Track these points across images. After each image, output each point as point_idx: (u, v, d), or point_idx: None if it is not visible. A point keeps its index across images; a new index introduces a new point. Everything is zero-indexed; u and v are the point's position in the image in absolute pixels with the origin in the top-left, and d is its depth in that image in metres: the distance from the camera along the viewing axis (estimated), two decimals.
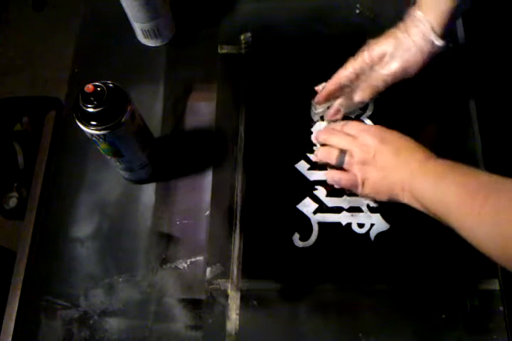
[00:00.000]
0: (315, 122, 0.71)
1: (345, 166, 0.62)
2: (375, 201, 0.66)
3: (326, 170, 0.67)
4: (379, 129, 0.62)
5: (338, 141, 0.63)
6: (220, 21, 0.81)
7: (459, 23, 0.77)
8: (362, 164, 0.60)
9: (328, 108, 0.69)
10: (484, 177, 0.51)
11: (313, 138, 0.70)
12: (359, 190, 0.61)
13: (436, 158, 0.57)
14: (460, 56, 0.75)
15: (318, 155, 0.66)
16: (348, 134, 0.63)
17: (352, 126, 0.64)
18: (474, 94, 0.73)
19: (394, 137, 0.61)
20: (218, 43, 0.78)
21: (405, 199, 0.57)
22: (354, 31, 0.77)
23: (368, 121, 0.71)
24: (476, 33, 0.81)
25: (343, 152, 0.62)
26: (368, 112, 0.71)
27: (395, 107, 0.71)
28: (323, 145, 0.67)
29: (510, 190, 0.48)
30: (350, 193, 0.66)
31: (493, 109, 0.88)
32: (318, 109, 0.70)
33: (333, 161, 0.63)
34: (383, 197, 0.60)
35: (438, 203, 0.54)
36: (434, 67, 0.74)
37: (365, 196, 0.63)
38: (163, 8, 0.74)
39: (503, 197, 0.48)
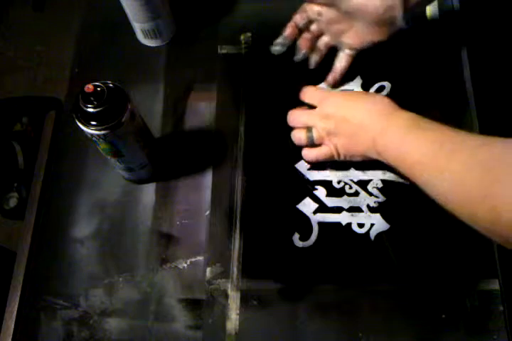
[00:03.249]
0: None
1: (316, 142, 0.64)
2: (375, 201, 0.66)
3: (325, 169, 0.68)
4: (338, 94, 0.64)
5: (301, 120, 0.65)
6: (219, 21, 0.81)
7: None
8: (329, 135, 0.62)
9: None
10: (449, 133, 0.52)
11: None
12: (336, 159, 0.64)
13: (399, 112, 0.58)
14: (459, 55, 0.75)
15: (293, 140, 0.67)
16: (311, 106, 0.65)
17: (312, 96, 0.66)
18: (474, 93, 0.73)
19: (352, 99, 0.63)
20: (218, 43, 0.78)
21: (375, 156, 0.59)
22: None
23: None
24: (475, 32, 0.81)
25: (309, 130, 0.64)
26: None
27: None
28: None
29: (473, 147, 0.48)
30: (351, 193, 0.66)
31: (493, 108, 0.88)
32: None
33: (304, 142, 0.65)
34: (359, 159, 0.62)
35: (402, 160, 0.55)
36: (432, 58, 0.74)
37: (346, 160, 0.64)
38: (163, 8, 0.74)
39: (466, 154, 0.48)
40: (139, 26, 0.75)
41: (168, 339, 0.61)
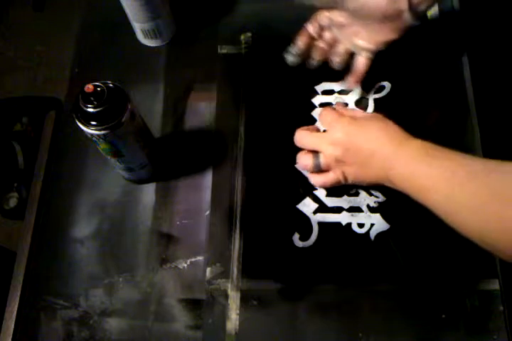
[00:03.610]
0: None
1: (323, 168, 0.62)
2: (375, 201, 0.66)
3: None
4: (348, 119, 0.62)
5: (309, 142, 0.64)
6: (219, 21, 0.81)
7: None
8: (337, 162, 0.61)
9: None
10: (459, 160, 0.53)
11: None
12: (344, 183, 0.63)
13: (410, 140, 0.57)
14: (459, 55, 0.75)
15: (298, 165, 0.66)
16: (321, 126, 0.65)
17: (325, 118, 0.64)
18: (474, 93, 0.73)
19: (363, 126, 0.61)
20: (218, 43, 0.78)
21: (386, 184, 0.59)
22: None
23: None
24: (475, 32, 0.81)
25: (316, 157, 0.62)
26: (369, 109, 0.71)
27: (395, 107, 0.71)
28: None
29: (484, 175, 0.49)
30: (351, 193, 0.66)
31: (493, 108, 0.88)
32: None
33: (310, 169, 0.63)
34: (368, 185, 0.62)
35: (416, 189, 0.55)
36: (432, 58, 0.74)
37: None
38: (163, 8, 0.74)
39: (478, 182, 0.49)
40: (139, 26, 0.75)
41: (168, 339, 0.61)
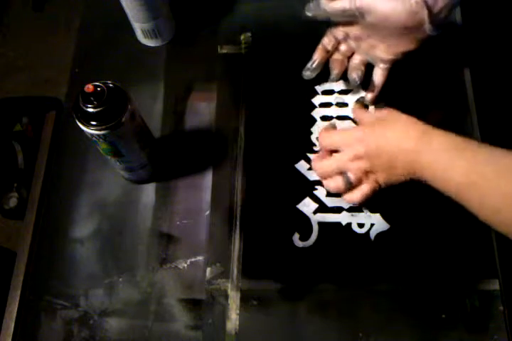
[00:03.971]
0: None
1: (355, 183, 0.60)
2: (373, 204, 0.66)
3: None
4: (358, 131, 0.61)
5: (332, 168, 0.62)
6: (219, 21, 0.81)
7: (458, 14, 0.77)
8: (366, 174, 0.60)
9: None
10: (490, 151, 0.52)
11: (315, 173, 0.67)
12: (379, 190, 0.61)
13: (432, 132, 0.56)
14: (460, 55, 0.75)
15: (330, 190, 0.64)
16: (336, 149, 0.62)
17: (332, 141, 0.63)
18: (474, 93, 0.73)
19: (378, 131, 0.60)
20: (218, 43, 0.78)
21: (418, 178, 0.57)
22: None
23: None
24: (475, 32, 0.81)
25: (344, 175, 0.60)
26: (370, 110, 0.71)
27: (395, 107, 0.71)
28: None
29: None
30: None
31: (493, 108, 0.88)
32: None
33: (344, 189, 0.61)
34: (402, 182, 0.59)
35: (448, 182, 0.54)
36: (433, 68, 0.74)
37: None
38: (163, 8, 0.74)
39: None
40: (139, 26, 0.75)
41: (168, 339, 0.61)
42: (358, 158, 0.59)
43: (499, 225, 0.50)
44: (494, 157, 0.51)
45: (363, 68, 0.69)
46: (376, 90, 0.69)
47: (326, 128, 0.67)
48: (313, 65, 0.70)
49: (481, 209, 0.51)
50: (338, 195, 0.66)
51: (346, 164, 0.60)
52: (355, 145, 0.60)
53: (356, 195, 0.61)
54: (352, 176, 0.60)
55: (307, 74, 0.71)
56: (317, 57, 0.70)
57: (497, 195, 0.50)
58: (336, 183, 0.61)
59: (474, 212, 0.52)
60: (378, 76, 0.68)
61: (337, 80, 0.71)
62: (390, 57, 0.65)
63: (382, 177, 0.59)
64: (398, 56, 0.65)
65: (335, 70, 0.70)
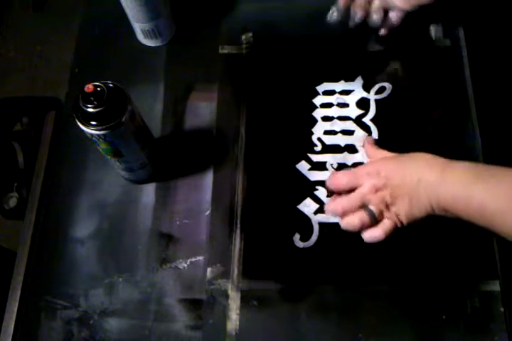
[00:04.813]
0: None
1: (378, 217, 0.59)
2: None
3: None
4: (376, 165, 0.60)
5: (353, 203, 0.59)
6: (220, 21, 0.81)
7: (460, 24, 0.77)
8: (388, 206, 0.58)
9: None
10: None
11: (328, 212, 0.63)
12: (400, 226, 0.59)
13: (453, 163, 0.55)
14: (459, 55, 0.75)
15: (351, 226, 0.60)
16: (350, 187, 0.60)
17: (349, 180, 0.61)
18: (474, 93, 0.73)
19: (399, 162, 0.59)
20: (219, 43, 0.78)
21: (441, 213, 0.56)
22: (356, 31, 0.77)
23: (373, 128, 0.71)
24: (475, 33, 0.81)
25: (366, 208, 0.58)
26: (371, 114, 0.71)
27: (396, 108, 0.71)
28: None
29: None
30: None
31: (493, 108, 0.88)
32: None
33: (368, 223, 0.59)
34: (423, 219, 0.58)
35: (478, 213, 0.52)
36: (433, 67, 0.74)
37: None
38: (163, 8, 0.74)
39: None
40: (139, 26, 0.75)
41: (168, 339, 0.61)
42: (379, 189, 0.58)
43: None
44: None
45: (382, 13, 0.73)
46: (388, 28, 0.75)
47: (333, 173, 0.65)
48: (339, 8, 0.74)
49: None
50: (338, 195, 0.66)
51: (368, 196, 0.58)
52: (373, 178, 0.58)
53: (378, 232, 0.59)
54: (374, 208, 0.58)
55: (333, 17, 0.74)
56: (341, 1, 0.73)
57: None
58: (359, 218, 0.58)
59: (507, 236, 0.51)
60: (393, 18, 0.73)
61: (357, 25, 0.74)
62: (406, 6, 0.70)
63: (403, 210, 0.57)
64: (413, 7, 0.70)
65: (358, 14, 0.73)
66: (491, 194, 0.51)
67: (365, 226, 0.59)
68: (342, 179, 0.61)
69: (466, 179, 0.53)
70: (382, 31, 0.75)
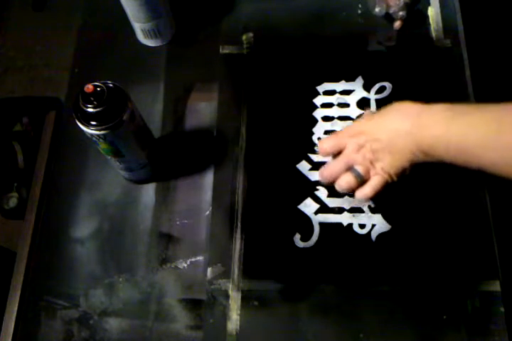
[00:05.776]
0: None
1: (365, 175, 0.60)
2: (375, 202, 0.66)
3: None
4: (356, 126, 0.62)
5: (340, 165, 0.61)
6: (220, 21, 0.80)
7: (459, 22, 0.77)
8: (372, 163, 0.59)
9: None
10: (494, 110, 0.51)
11: (320, 179, 0.65)
12: (391, 182, 0.60)
13: (429, 107, 0.56)
14: (460, 56, 0.75)
15: (341, 189, 0.62)
16: (337, 151, 0.62)
17: (336, 142, 0.62)
18: (474, 93, 0.73)
19: (376, 118, 0.60)
20: (220, 43, 0.78)
21: (424, 158, 0.56)
22: (356, 31, 0.77)
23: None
24: (476, 33, 0.81)
25: (352, 170, 0.60)
26: (372, 110, 0.71)
27: None
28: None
29: None
30: (351, 194, 0.66)
31: (492, 101, 0.88)
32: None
33: (355, 182, 0.60)
34: (408, 169, 0.58)
35: (459, 150, 0.53)
36: (434, 67, 0.74)
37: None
38: (163, 8, 0.74)
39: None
40: (139, 26, 0.75)
41: (168, 339, 0.61)
42: (361, 146, 0.59)
43: None
44: (500, 115, 0.51)
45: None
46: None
47: (321, 140, 0.66)
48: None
49: (495, 167, 0.51)
50: (339, 195, 0.66)
51: (351, 156, 0.60)
52: (355, 138, 0.60)
53: (367, 190, 0.60)
54: (360, 168, 0.59)
55: (377, 10, 0.76)
56: None
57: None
58: (346, 180, 0.60)
59: (495, 172, 0.51)
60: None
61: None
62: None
63: (387, 163, 0.58)
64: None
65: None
66: (468, 130, 0.52)
67: (352, 187, 0.60)
68: (327, 142, 0.62)
69: (442, 119, 0.54)
70: (397, 24, 0.75)
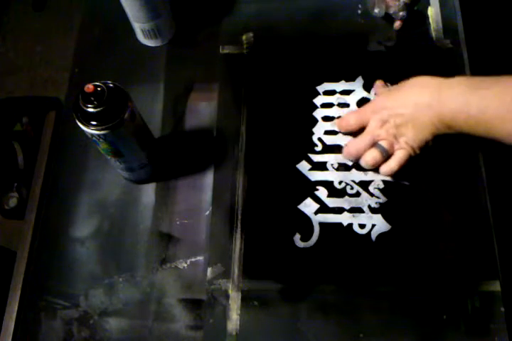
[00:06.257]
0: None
1: (390, 151, 0.62)
2: (376, 202, 0.66)
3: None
4: (377, 102, 0.64)
5: (365, 142, 0.64)
6: (220, 21, 0.80)
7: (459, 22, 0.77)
8: (396, 138, 0.61)
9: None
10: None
11: (346, 156, 0.67)
12: (414, 155, 0.62)
13: (447, 80, 0.58)
14: (460, 56, 0.75)
15: (367, 164, 0.65)
16: (359, 127, 0.65)
17: (356, 119, 0.65)
18: None
19: (395, 94, 0.63)
20: (220, 43, 0.78)
21: (446, 130, 0.59)
22: (356, 31, 0.77)
23: None
24: (476, 33, 0.81)
25: (377, 146, 0.63)
26: None
27: None
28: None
29: None
30: (352, 194, 0.66)
31: None
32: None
33: (380, 158, 0.63)
34: (431, 142, 0.61)
35: (477, 122, 0.55)
36: (434, 68, 0.74)
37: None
38: (163, 8, 0.74)
39: None
40: (139, 26, 0.75)
41: (168, 340, 0.61)
42: (384, 121, 0.61)
43: None
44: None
45: None
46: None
47: (341, 117, 0.69)
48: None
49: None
50: (339, 195, 0.66)
51: (376, 131, 0.62)
52: (377, 113, 0.62)
53: (392, 164, 0.63)
54: (383, 143, 0.62)
55: (376, 11, 0.76)
56: None
57: None
58: (372, 155, 0.63)
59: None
60: None
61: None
62: None
63: (410, 136, 0.60)
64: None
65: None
66: (488, 102, 0.54)
67: (378, 162, 0.63)
68: (349, 119, 0.66)
69: (462, 91, 0.56)
70: (397, 24, 0.75)
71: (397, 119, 0.61)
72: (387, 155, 0.63)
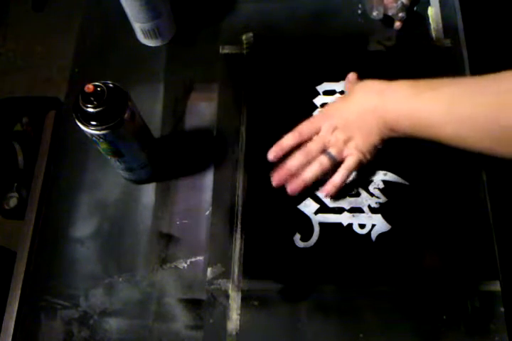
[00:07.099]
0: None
1: (338, 158, 0.62)
2: (376, 202, 0.66)
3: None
4: (327, 111, 0.65)
5: (316, 146, 0.63)
6: (220, 21, 0.80)
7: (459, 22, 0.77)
8: (345, 144, 0.62)
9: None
10: (452, 85, 0.54)
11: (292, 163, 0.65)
12: (365, 161, 0.62)
13: (392, 84, 0.58)
14: (460, 56, 0.75)
15: (317, 173, 0.63)
16: (314, 133, 0.64)
17: (310, 126, 0.65)
18: None
19: (342, 101, 0.64)
20: (220, 43, 0.78)
21: (390, 134, 0.59)
22: (356, 31, 0.77)
23: None
24: (476, 33, 0.81)
25: (325, 153, 0.63)
26: None
27: None
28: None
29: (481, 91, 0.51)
30: (352, 194, 0.66)
31: None
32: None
33: (329, 164, 0.63)
34: (380, 146, 0.61)
35: (419, 125, 0.55)
36: (433, 67, 0.74)
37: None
38: (163, 8, 0.74)
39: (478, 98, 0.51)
40: (139, 26, 0.75)
41: (168, 339, 0.61)
42: (334, 128, 0.62)
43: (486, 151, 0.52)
44: (461, 90, 0.53)
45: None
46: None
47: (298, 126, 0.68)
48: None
49: (454, 140, 0.54)
50: (339, 195, 0.66)
51: (327, 137, 0.62)
52: (329, 119, 0.63)
53: (342, 172, 0.62)
54: (333, 150, 0.62)
55: (374, 14, 0.76)
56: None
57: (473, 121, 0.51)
58: (320, 161, 0.62)
59: (455, 145, 0.54)
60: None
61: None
62: None
63: (359, 141, 0.61)
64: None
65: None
66: (429, 106, 0.54)
67: (325, 169, 0.63)
68: (302, 128, 0.65)
69: (406, 95, 0.56)
70: (397, 24, 0.75)
71: (345, 124, 0.61)
72: (335, 162, 0.63)
